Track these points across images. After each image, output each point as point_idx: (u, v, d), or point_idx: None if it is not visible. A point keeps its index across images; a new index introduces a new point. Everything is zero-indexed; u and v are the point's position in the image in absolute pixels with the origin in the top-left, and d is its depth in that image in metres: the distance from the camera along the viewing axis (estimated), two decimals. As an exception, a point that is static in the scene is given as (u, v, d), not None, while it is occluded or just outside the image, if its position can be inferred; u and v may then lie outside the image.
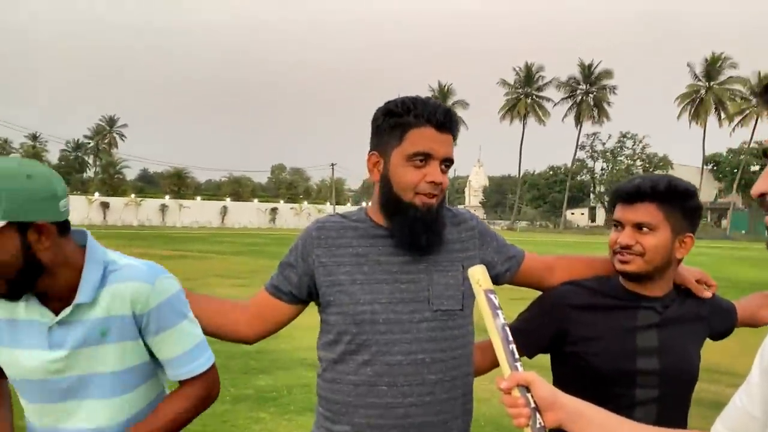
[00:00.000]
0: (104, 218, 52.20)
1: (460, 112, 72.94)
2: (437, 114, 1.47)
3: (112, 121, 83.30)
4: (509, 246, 1.71)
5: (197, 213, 57.37)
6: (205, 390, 1.52)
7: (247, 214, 60.05)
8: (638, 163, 70.82)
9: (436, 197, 1.49)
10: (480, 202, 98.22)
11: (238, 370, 6.13)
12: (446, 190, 1.54)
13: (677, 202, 1.53)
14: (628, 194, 1.55)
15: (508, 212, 79.69)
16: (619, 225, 1.57)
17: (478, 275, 1.20)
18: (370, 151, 1.55)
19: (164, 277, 1.46)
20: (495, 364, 1.66)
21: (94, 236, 1.48)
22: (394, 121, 1.49)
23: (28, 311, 1.40)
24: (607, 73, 67.59)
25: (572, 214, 75.99)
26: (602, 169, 75.67)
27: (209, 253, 21.67)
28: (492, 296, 1.17)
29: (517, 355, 1.11)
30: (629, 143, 73.46)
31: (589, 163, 76.48)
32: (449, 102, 72.72)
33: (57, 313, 1.39)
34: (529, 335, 1.66)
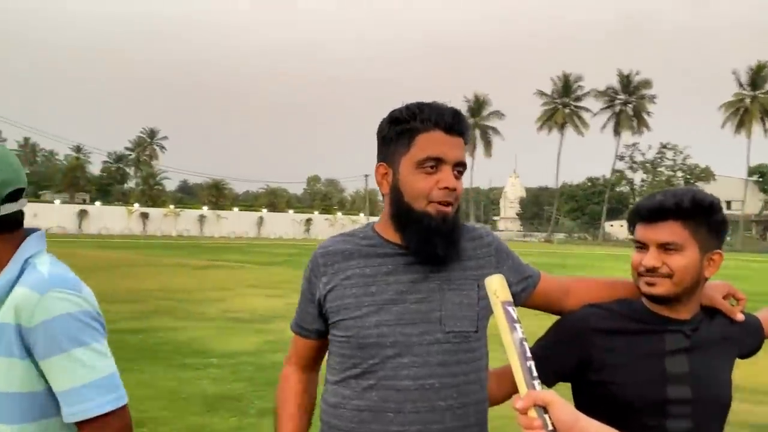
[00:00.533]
0: (144, 228, 53.30)
1: (495, 122, 72.68)
2: (445, 116, 1.40)
3: (152, 133, 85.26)
4: (525, 266, 1.63)
5: (234, 223, 58.22)
6: None
7: (283, 225, 60.66)
8: (679, 174, 69.35)
9: (451, 205, 1.41)
10: (516, 214, 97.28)
11: (264, 383, 6.12)
12: (460, 199, 1.47)
13: (703, 217, 1.44)
14: (650, 212, 1.46)
15: (545, 224, 78.75)
16: (642, 246, 1.48)
17: (496, 285, 1.13)
18: (377, 163, 1.50)
19: (59, 292, 1.25)
20: (511, 393, 1.57)
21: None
22: (401, 128, 1.42)
23: None
24: (647, 83, 66.56)
25: (611, 226, 74.61)
26: (642, 181, 74.29)
27: (245, 263, 21.89)
28: (510, 308, 1.10)
29: (535, 373, 1.05)
30: (670, 154, 72.04)
31: (629, 174, 75.26)
32: (485, 113, 72.46)
33: None
34: (548, 362, 1.55)
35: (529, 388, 1.03)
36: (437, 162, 1.39)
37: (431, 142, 1.40)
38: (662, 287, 1.44)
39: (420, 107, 1.42)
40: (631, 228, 1.52)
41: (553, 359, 1.56)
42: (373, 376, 1.40)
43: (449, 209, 1.41)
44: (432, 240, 1.40)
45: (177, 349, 7.76)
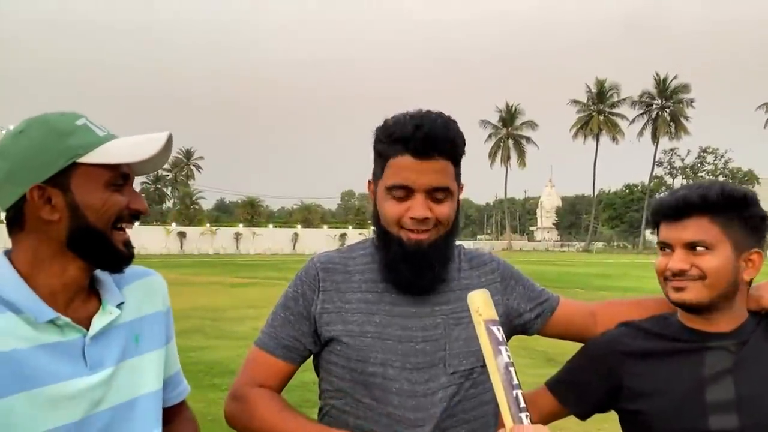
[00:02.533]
0: (181, 247, 54.16)
1: (528, 132, 72.03)
2: (414, 139, 1.26)
3: (189, 154, 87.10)
4: (540, 290, 1.49)
5: (269, 240, 58.77)
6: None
7: (317, 240, 60.95)
8: (720, 178, 67.52)
9: (427, 232, 1.29)
10: (553, 224, 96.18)
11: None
12: (450, 223, 1.33)
13: (734, 212, 1.26)
14: (673, 209, 1.29)
15: (583, 233, 77.62)
16: (667, 247, 1.30)
17: (479, 302, 1.04)
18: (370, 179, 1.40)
19: None
20: (538, 420, 1.39)
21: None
22: (378, 149, 1.33)
23: (51, 329, 1.07)
24: (684, 87, 65.21)
25: (651, 233, 72.80)
26: (682, 186, 72.59)
27: (278, 280, 21.88)
28: (494, 328, 1.01)
29: (523, 404, 0.94)
30: (710, 158, 70.49)
31: (668, 180, 73.70)
32: (517, 122, 71.92)
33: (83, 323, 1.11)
34: (578, 389, 1.41)
35: (515, 422, 0.92)
36: (406, 190, 1.28)
37: (399, 169, 1.28)
38: (693, 292, 1.26)
39: (397, 124, 1.30)
40: (655, 229, 1.34)
41: (583, 386, 1.40)
42: (378, 425, 1.28)
43: (424, 236, 1.30)
44: (399, 267, 1.30)
45: (207, 368, 7.68)
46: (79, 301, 1.13)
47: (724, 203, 1.26)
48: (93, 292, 1.16)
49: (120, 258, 1.13)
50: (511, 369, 0.95)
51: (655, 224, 1.35)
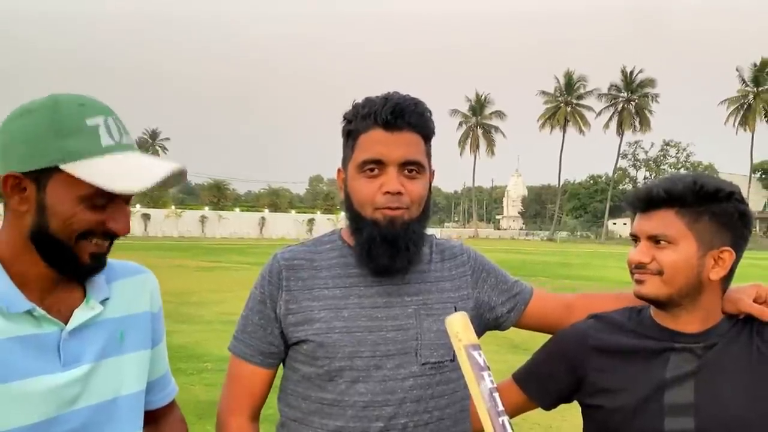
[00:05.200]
0: (145, 230, 53.22)
1: (497, 122, 72.52)
2: (384, 111, 1.24)
3: (154, 135, 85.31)
4: (513, 282, 1.46)
5: (236, 224, 58.08)
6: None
7: (285, 225, 60.55)
8: (682, 171, 69.10)
9: (402, 210, 1.26)
10: (519, 212, 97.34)
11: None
12: (423, 204, 1.30)
13: (704, 206, 1.22)
14: (641, 201, 1.27)
15: (548, 222, 78.71)
16: (634, 238, 1.29)
17: (457, 327, 0.98)
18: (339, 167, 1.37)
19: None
20: (509, 413, 1.40)
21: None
22: (346, 129, 1.31)
23: (26, 321, 1.01)
24: (650, 81, 66.32)
25: (614, 224, 74.42)
26: (645, 178, 74.26)
27: (244, 264, 21.70)
28: (476, 353, 0.96)
29: (510, 429, 0.91)
30: (672, 151, 72.20)
31: (632, 172, 75.33)
32: (486, 112, 72.31)
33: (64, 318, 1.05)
34: (544, 381, 1.40)
35: None
36: (378, 164, 1.25)
37: (370, 143, 1.26)
38: (650, 286, 1.24)
39: (364, 103, 1.28)
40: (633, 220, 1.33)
41: (549, 378, 1.38)
42: (342, 417, 1.24)
43: (399, 213, 1.26)
44: (375, 249, 1.26)
45: (172, 353, 7.48)
46: (60, 292, 1.07)
47: (692, 197, 1.22)
48: (78, 284, 1.10)
49: (80, 269, 1.05)
50: (496, 395, 0.92)
51: (633, 216, 1.33)
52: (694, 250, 1.22)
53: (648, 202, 1.26)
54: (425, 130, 1.29)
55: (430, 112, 1.31)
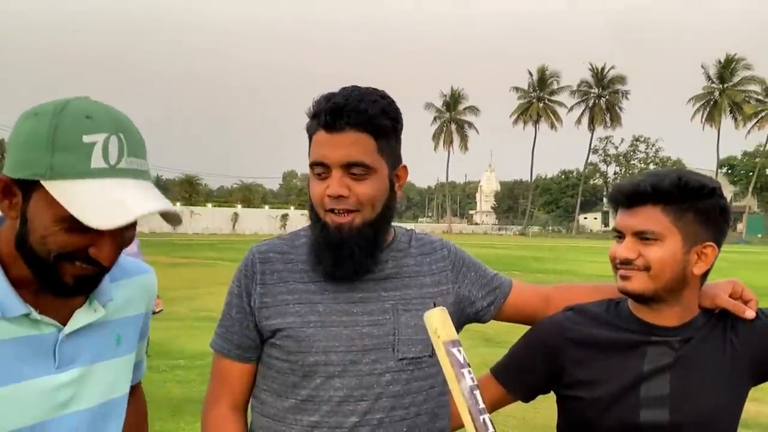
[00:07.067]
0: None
1: (471, 117, 72.87)
2: (324, 112, 1.22)
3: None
4: (492, 275, 1.45)
5: (208, 220, 57.47)
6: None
7: (258, 221, 60.11)
8: (651, 166, 70.43)
9: (351, 213, 1.23)
10: (492, 207, 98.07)
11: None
12: (377, 204, 1.26)
13: (689, 202, 1.23)
14: (626, 196, 1.27)
15: (520, 217, 79.44)
16: (619, 235, 1.29)
17: (436, 323, 0.95)
18: None
19: None
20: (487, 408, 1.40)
21: None
22: (306, 128, 1.29)
23: (23, 323, 0.98)
24: (620, 78, 67.23)
25: (585, 218, 75.61)
26: (615, 173, 75.55)
27: (217, 260, 21.51)
28: (455, 350, 0.93)
29: (491, 428, 0.89)
30: (642, 147, 73.48)
31: (602, 167, 76.56)
32: (460, 107, 72.61)
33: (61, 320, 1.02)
34: (523, 374, 1.40)
35: None
36: (323, 167, 1.23)
37: (316, 145, 1.25)
38: (637, 282, 1.25)
39: (314, 102, 1.26)
40: (615, 216, 1.33)
41: (527, 371, 1.39)
42: (317, 412, 1.23)
43: (345, 218, 1.23)
44: (321, 253, 1.26)
45: (143, 350, 7.53)
46: None
47: (678, 193, 1.23)
48: None
49: (60, 288, 0.98)
50: (476, 393, 0.90)
51: (615, 211, 1.32)
52: (680, 246, 1.24)
53: (633, 197, 1.26)
54: (372, 128, 1.23)
55: (385, 107, 1.25)
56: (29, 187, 0.94)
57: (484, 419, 0.88)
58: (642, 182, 1.25)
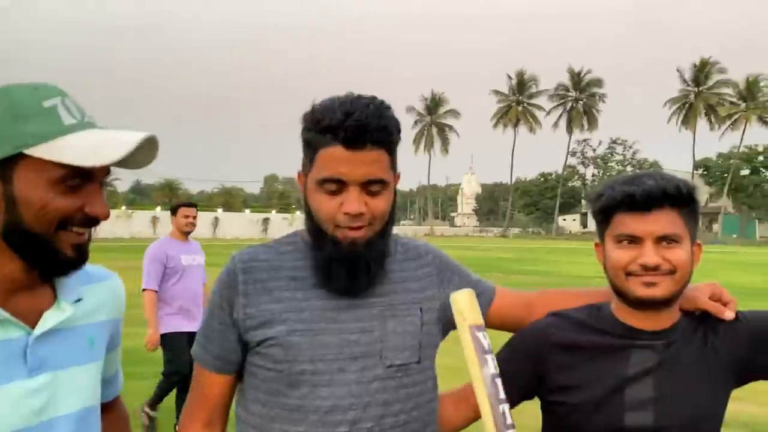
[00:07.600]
0: (95, 231, 51.74)
1: (451, 121, 73.24)
2: (345, 128, 1.16)
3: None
4: (476, 281, 1.44)
5: (188, 224, 57.04)
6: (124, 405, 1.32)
7: (239, 225, 59.75)
8: (629, 168, 71.32)
9: (363, 228, 1.21)
10: (473, 210, 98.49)
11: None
12: (386, 217, 1.26)
13: (691, 205, 1.27)
14: (644, 200, 1.22)
15: (501, 219, 79.92)
16: (632, 240, 1.25)
17: (462, 303, 0.91)
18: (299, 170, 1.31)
19: None
20: (472, 417, 1.35)
21: None
22: (306, 138, 1.24)
23: None
24: (597, 81, 68.03)
25: (564, 220, 76.26)
26: (593, 175, 76.34)
27: (199, 265, 21.33)
28: (480, 335, 0.89)
29: (510, 419, 0.86)
30: (619, 149, 74.42)
31: (581, 169, 77.30)
32: (441, 111, 72.93)
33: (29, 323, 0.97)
34: (507, 381, 1.38)
35: None
36: (338, 183, 1.19)
37: (330, 160, 1.18)
38: (665, 287, 1.23)
39: (326, 110, 1.19)
40: (603, 219, 1.29)
41: (512, 377, 1.36)
42: (304, 422, 1.21)
43: (360, 233, 1.21)
44: (334, 269, 1.22)
45: (125, 357, 7.25)
46: (28, 294, 1.00)
47: (688, 196, 1.25)
48: (47, 284, 1.04)
49: (63, 262, 0.99)
50: (498, 381, 0.86)
51: (605, 214, 1.29)
52: (690, 247, 1.27)
53: (652, 201, 1.23)
54: (389, 144, 1.22)
55: (395, 120, 1.24)
56: (8, 168, 0.93)
57: (503, 409, 0.85)
58: (659, 185, 1.23)
